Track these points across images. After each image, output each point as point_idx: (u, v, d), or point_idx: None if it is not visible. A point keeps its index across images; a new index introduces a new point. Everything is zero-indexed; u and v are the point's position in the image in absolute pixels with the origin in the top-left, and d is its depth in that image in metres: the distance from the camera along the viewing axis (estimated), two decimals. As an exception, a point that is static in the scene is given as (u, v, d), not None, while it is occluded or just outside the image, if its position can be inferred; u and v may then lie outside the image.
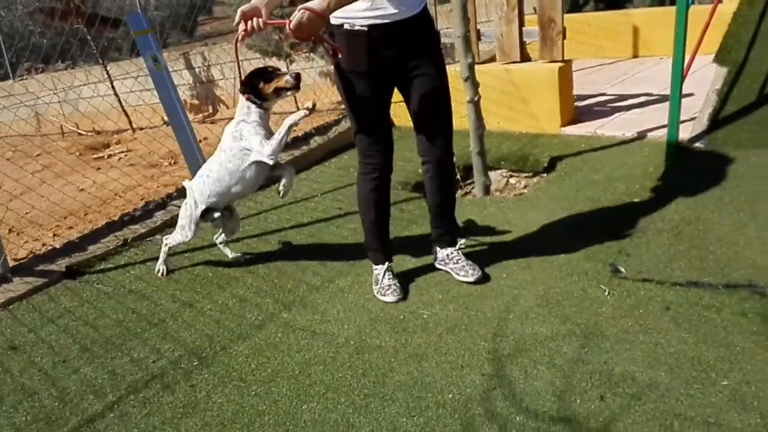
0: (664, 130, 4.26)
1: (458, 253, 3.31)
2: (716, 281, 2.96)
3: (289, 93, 3.23)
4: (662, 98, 5.24)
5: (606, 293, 2.99)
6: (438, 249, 3.36)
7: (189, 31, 14.42)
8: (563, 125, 5.14)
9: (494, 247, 3.58)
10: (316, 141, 5.81)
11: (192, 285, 3.65)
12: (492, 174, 4.78)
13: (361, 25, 2.78)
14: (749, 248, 3.16)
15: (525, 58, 5.48)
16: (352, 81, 2.93)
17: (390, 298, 3.16)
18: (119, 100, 9.06)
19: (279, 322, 3.14)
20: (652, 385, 2.38)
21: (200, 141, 7.63)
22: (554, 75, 4.99)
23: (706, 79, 5.06)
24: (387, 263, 3.28)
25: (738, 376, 2.37)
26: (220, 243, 3.89)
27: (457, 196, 4.59)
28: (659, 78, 6.02)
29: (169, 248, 3.75)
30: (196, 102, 9.73)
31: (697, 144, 4.20)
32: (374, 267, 3.30)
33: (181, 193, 5.01)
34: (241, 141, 3.29)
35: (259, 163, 3.31)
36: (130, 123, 9.06)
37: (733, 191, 3.63)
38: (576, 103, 5.58)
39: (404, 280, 3.33)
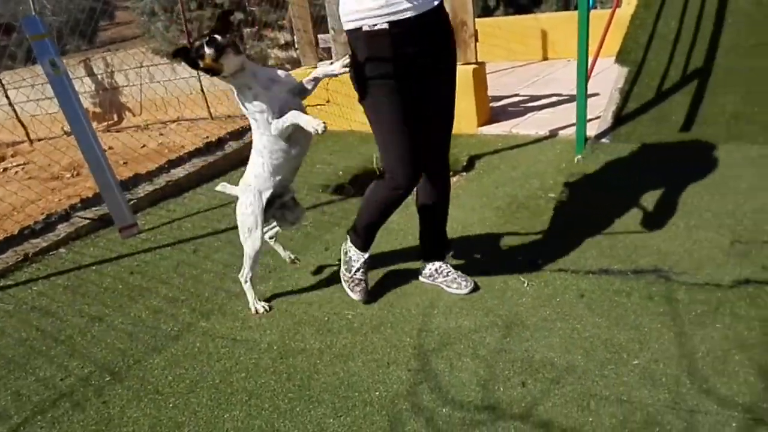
0: (574, 128, 4.47)
1: (447, 266, 3.20)
2: (625, 268, 3.13)
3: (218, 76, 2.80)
4: (571, 98, 5.48)
5: (525, 284, 3.11)
6: (426, 264, 3.22)
7: (89, 37, 13.88)
8: (480, 125, 5.30)
9: (415, 243, 3.63)
10: (232, 146, 5.73)
11: (101, 298, 3.52)
12: (411, 175, 4.87)
13: (381, 24, 2.60)
14: (654, 236, 3.36)
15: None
16: (378, 90, 2.74)
17: (357, 296, 3.10)
18: (14, 110, 8.61)
19: (197, 331, 3.07)
20: (570, 369, 2.50)
21: (105, 150, 7.37)
22: (469, 76, 5.14)
23: (609, 78, 5.35)
24: (367, 254, 3.14)
25: (647, 356, 2.52)
26: (271, 238, 3.46)
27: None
28: (568, 79, 6.30)
29: (251, 275, 3.16)
30: (99, 110, 9.36)
31: (603, 140, 4.45)
32: (354, 252, 3.14)
33: (88, 203, 4.82)
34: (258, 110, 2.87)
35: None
36: (27, 134, 8.62)
37: (638, 182, 3.85)
38: (491, 104, 5.77)
39: (327, 281, 3.34)
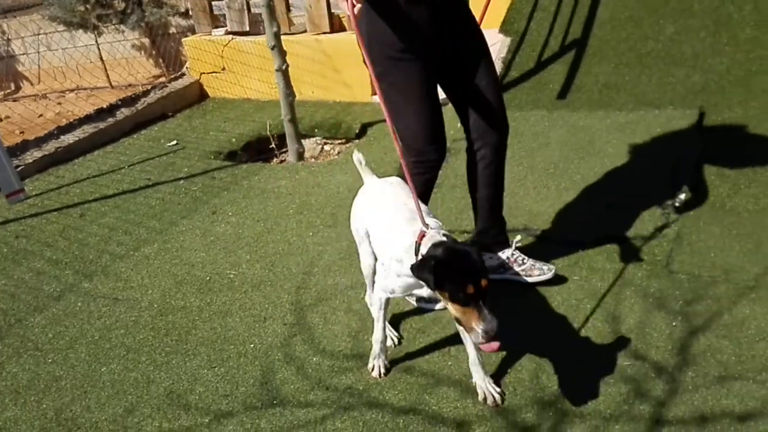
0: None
1: (518, 252, 2.92)
2: (499, 227, 3.39)
3: None
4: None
5: (405, 243, 3.32)
6: (492, 256, 2.91)
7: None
8: (373, 94, 5.45)
9: (302, 208, 3.79)
10: (123, 113, 5.65)
11: (-19, 263, 3.49)
12: (307, 142, 4.99)
13: None
14: (527, 198, 3.64)
15: (338, 28, 5.72)
16: (394, 65, 2.51)
17: None
18: None
19: (79, 291, 3.12)
20: (436, 319, 2.71)
21: (2, 120, 7.09)
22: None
23: (494, 48, 5.62)
24: None
25: (509, 306, 2.78)
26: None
27: (272, 163, 4.76)
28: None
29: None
30: (-9, 79, 8.93)
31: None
32: None
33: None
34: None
35: None
36: None
37: (515, 147, 4.10)
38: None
39: (212, 243, 3.44)
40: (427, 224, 2.18)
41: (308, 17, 5.61)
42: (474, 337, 1.94)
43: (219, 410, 2.32)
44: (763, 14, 4.62)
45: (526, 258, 2.90)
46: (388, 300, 2.34)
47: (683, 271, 2.85)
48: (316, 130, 5.06)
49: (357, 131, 4.90)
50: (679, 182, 3.54)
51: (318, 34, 5.54)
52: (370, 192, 2.55)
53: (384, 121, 4.99)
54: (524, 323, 2.63)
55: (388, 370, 2.43)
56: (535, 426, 2.14)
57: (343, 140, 4.96)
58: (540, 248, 3.16)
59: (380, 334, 2.40)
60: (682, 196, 3.44)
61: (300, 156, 4.65)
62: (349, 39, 5.38)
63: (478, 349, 2.26)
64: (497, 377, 2.36)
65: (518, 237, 3.01)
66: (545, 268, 2.88)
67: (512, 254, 2.91)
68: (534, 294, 2.83)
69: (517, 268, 2.90)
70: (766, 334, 2.43)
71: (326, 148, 5.05)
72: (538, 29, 5.12)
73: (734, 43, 4.52)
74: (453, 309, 1.97)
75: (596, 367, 2.37)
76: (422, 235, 2.10)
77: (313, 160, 4.82)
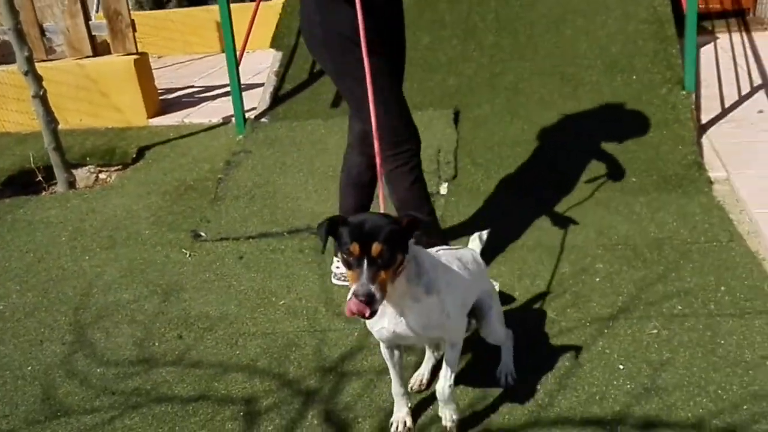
0: (245, 114, 5.01)
1: None
2: (282, 230, 3.69)
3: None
4: (247, 87, 6.00)
5: (187, 255, 3.50)
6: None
7: None
8: (150, 117, 5.53)
9: (76, 234, 3.82)
10: None
11: None
12: (80, 171, 4.94)
13: None
14: (309, 200, 3.99)
15: (102, 51, 5.73)
16: (369, 55, 2.44)
17: None
18: None
19: None
20: (223, 317, 2.94)
21: None
22: (131, 67, 5.34)
23: (266, 64, 6.00)
24: None
25: (293, 296, 3.08)
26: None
27: (40, 195, 4.66)
28: (245, 69, 6.83)
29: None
30: None
31: (263, 119, 5.01)
32: None
33: None
34: None
35: None
36: None
37: (295, 156, 4.47)
38: (164, 96, 6.05)
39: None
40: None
41: (66, 41, 5.56)
42: (350, 302, 1.81)
43: (-3, 434, 2.35)
44: (502, 22, 5.44)
45: None
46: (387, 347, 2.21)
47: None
48: (87, 159, 5.02)
49: (134, 155, 4.96)
50: (440, 173, 4.10)
51: (80, 58, 5.52)
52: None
53: (164, 142, 5.18)
54: (308, 306, 2.98)
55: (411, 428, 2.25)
56: (318, 389, 2.44)
57: (120, 166, 4.98)
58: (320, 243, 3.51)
59: (395, 386, 2.25)
60: (445, 185, 4.00)
61: (71, 185, 4.61)
62: (114, 62, 5.43)
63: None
64: (284, 353, 2.64)
65: None
66: None
67: None
68: (321, 282, 3.16)
69: None
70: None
71: (101, 176, 5.03)
72: (302, 44, 5.57)
73: (480, 48, 5.27)
74: (348, 275, 1.89)
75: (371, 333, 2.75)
76: None
77: (87, 189, 4.80)
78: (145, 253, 3.54)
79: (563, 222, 3.51)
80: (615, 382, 2.36)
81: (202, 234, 3.70)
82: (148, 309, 3.02)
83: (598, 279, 2.99)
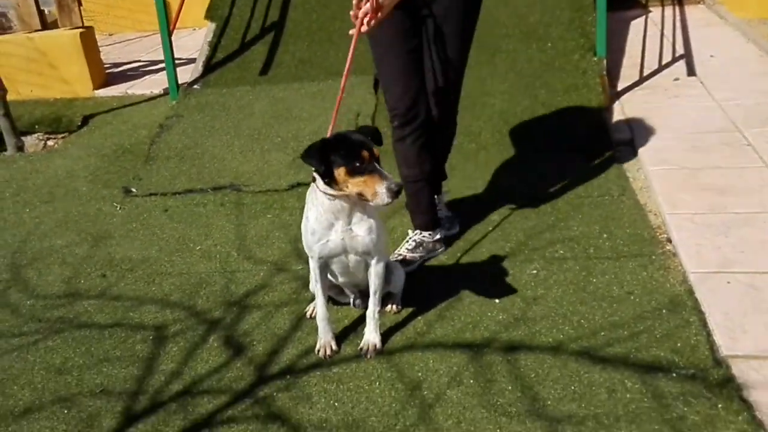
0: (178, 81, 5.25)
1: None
2: (206, 186, 3.95)
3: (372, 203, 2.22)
4: (189, 61, 6.20)
5: (118, 208, 3.75)
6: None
7: None
8: (96, 88, 5.71)
9: (19, 190, 4.06)
10: None
11: None
12: (29, 138, 5.13)
13: None
14: (234, 161, 4.25)
15: (51, 25, 5.88)
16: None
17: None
18: None
19: None
20: (144, 260, 3.21)
21: None
22: (77, 40, 5.51)
23: (200, 34, 6.21)
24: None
25: (210, 242, 3.35)
26: None
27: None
28: (190, 45, 7.01)
29: None
30: None
31: (195, 86, 5.25)
32: (422, 233, 3.06)
33: None
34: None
35: None
36: None
37: (223, 120, 4.72)
38: (111, 70, 6.24)
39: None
40: None
41: (17, 15, 5.70)
42: (380, 198, 2.09)
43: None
44: None
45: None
46: (320, 266, 2.42)
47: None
48: (36, 126, 5.21)
49: (79, 123, 5.15)
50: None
51: (30, 32, 5.66)
52: None
53: (108, 111, 5.37)
54: (222, 251, 3.27)
55: (335, 351, 2.48)
56: (221, 319, 2.72)
57: (66, 133, 5.18)
58: (241, 198, 3.79)
59: (321, 310, 2.48)
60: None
61: (20, 149, 4.81)
62: (61, 35, 5.59)
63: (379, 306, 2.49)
64: (195, 290, 2.92)
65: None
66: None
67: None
68: (237, 230, 3.45)
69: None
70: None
71: (49, 143, 5.22)
72: (240, 14, 5.78)
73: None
74: (353, 185, 2.13)
75: (276, 273, 3.04)
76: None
77: (34, 153, 4.99)
78: (81, 206, 3.79)
79: (470, 179, 3.76)
80: (489, 314, 2.59)
81: (133, 190, 3.95)
82: (78, 253, 3.28)
83: (491, 228, 3.23)
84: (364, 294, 2.59)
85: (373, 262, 2.43)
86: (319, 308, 2.49)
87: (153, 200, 3.83)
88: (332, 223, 2.33)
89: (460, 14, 2.80)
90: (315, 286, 2.49)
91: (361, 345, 2.48)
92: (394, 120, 2.93)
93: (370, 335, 2.48)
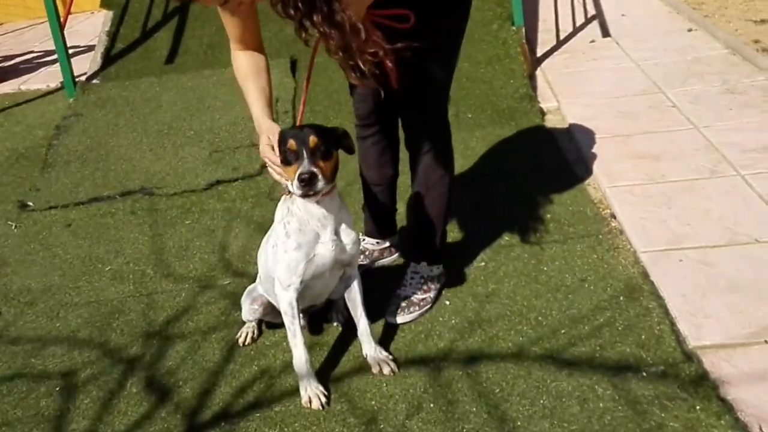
0: (83, 76, 4.55)
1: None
2: (114, 192, 3.38)
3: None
4: (89, 48, 5.46)
5: (13, 227, 3.15)
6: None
7: None
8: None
9: None
10: None
11: None
12: None
13: None
14: (144, 160, 3.67)
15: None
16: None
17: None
18: None
19: None
20: (45, 289, 2.66)
21: None
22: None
23: (97, 21, 5.52)
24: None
25: (121, 261, 2.82)
26: None
27: None
28: (89, 31, 6.22)
29: None
30: None
31: (95, 81, 4.58)
32: (368, 240, 2.61)
33: None
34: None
35: None
36: None
37: (128, 115, 4.11)
38: (2, 64, 5.43)
39: None
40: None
41: None
42: (295, 187, 1.77)
43: None
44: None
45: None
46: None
47: (274, 197, 3.15)
48: None
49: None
50: (278, 122, 3.85)
51: None
52: None
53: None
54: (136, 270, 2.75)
55: (328, 398, 1.99)
56: (140, 356, 2.25)
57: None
58: (154, 203, 3.26)
59: (300, 352, 1.98)
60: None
61: None
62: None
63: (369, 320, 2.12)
64: (107, 321, 2.42)
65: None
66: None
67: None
68: (152, 242, 2.93)
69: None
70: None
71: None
72: (139, 0, 5.10)
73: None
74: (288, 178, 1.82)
75: (200, 291, 2.57)
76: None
77: None
78: (-10, 232, 3.16)
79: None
80: (441, 318, 2.25)
81: (30, 204, 3.33)
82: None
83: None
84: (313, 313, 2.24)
85: (354, 272, 2.09)
86: (298, 351, 1.97)
87: (53, 214, 3.23)
88: (318, 234, 1.94)
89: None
90: (291, 324, 1.96)
91: (372, 369, 2.06)
92: (355, 119, 2.50)
93: (375, 353, 2.08)
